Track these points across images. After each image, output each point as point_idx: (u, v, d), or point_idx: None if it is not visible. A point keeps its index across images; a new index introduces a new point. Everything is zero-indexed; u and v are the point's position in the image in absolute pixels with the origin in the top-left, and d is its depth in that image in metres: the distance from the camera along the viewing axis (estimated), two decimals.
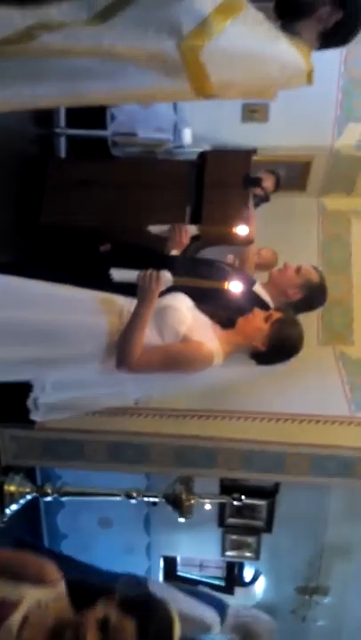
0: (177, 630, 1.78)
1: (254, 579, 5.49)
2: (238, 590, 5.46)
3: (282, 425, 3.80)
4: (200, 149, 4.36)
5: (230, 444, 3.79)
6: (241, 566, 5.48)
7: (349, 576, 5.12)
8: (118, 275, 2.32)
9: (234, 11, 1.77)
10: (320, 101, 4.29)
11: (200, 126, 4.35)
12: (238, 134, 4.49)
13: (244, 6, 1.83)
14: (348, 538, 4.91)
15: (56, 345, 2.29)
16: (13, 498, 3.40)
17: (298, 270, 2.92)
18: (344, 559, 5.05)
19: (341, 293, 4.89)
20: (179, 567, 5.44)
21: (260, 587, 5.45)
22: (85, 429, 3.73)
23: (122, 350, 2.27)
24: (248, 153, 4.26)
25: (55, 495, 3.40)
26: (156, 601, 1.87)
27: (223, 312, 2.48)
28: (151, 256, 2.97)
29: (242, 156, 4.22)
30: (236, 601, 4.91)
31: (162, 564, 5.29)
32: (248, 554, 5.11)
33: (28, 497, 3.42)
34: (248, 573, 5.54)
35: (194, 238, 3.07)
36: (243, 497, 3.54)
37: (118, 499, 3.42)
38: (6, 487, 3.38)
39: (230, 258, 3.28)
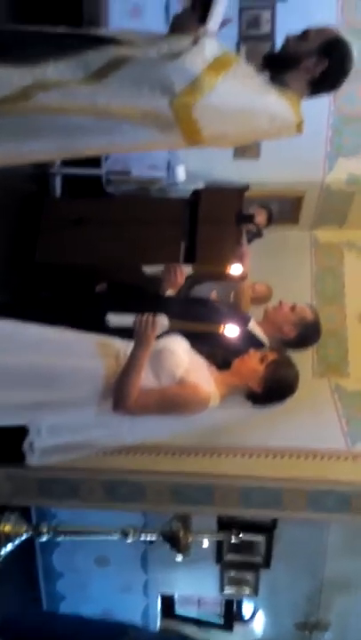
0: None
1: (253, 615, 5.42)
2: (237, 627, 5.38)
3: (279, 460, 3.77)
4: (194, 186, 4.41)
5: (227, 481, 3.76)
6: (240, 602, 5.41)
7: (349, 611, 5.06)
8: (115, 320, 2.34)
9: (225, 66, 1.83)
10: (311, 137, 4.23)
11: (193, 163, 4.39)
12: (231, 170, 4.54)
13: (234, 61, 1.89)
14: (348, 572, 4.87)
15: (54, 389, 2.30)
16: (9, 538, 3.36)
17: (293, 308, 2.95)
18: (344, 593, 4.99)
19: (335, 324, 4.94)
20: (177, 605, 5.37)
21: (259, 623, 5.37)
22: (81, 468, 3.69)
23: (119, 393, 2.28)
24: (241, 190, 4.31)
25: (51, 534, 3.36)
26: None
27: (219, 353, 2.49)
28: (147, 297, 3.00)
29: (235, 194, 4.27)
30: (235, 638, 4.84)
31: (159, 602, 5.23)
32: (247, 590, 5.05)
33: (24, 537, 3.38)
34: (247, 609, 5.46)
35: (188, 278, 3.10)
36: (241, 534, 3.50)
37: (114, 537, 3.38)
38: (1, 527, 3.34)
39: (214, 294, 3.30)
